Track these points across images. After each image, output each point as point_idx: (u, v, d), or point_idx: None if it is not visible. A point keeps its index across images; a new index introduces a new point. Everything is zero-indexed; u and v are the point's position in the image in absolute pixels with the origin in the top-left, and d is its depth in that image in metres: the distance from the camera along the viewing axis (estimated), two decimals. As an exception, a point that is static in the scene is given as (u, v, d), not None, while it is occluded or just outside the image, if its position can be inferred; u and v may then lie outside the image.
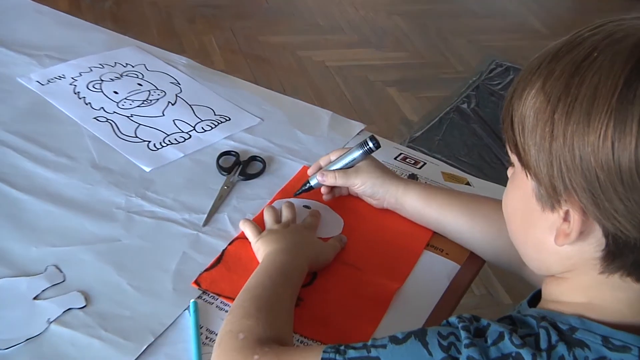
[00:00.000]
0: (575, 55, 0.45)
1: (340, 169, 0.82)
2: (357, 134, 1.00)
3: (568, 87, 0.45)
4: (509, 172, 0.54)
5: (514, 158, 0.51)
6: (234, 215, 0.83)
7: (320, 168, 0.85)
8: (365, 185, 0.81)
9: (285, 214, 0.81)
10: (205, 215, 0.82)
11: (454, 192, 0.81)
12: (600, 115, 0.44)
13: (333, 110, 1.08)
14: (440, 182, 0.92)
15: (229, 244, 0.78)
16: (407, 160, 0.97)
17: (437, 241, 0.81)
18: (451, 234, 0.79)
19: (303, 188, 0.85)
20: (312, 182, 0.84)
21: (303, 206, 0.85)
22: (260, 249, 0.73)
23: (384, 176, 0.81)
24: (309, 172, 0.86)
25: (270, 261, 0.70)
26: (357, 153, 0.82)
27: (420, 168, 0.96)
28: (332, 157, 0.84)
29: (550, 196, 0.48)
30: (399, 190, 0.80)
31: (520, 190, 0.51)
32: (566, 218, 0.48)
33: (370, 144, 0.81)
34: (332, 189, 0.85)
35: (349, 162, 0.82)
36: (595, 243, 0.48)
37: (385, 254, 0.79)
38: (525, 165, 0.49)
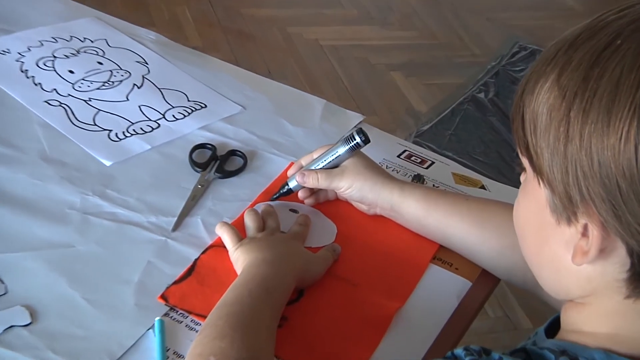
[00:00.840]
0: (596, 43, 0.45)
1: (323, 168, 0.83)
2: (355, 126, 1.01)
3: (586, 80, 0.44)
4: (522, 177, 0.54)
5: (525, 162, 0.51)
6: (208, 219, 0.83)
7: (301, 168, 0.85)
8: (352, 189, 0.81)
9: (270, 220, 0.82)
10: (175, 219, 0.83)
11: (461, 198, 0.81)
12: (621, 113, 0.43)
13: (327, 98, 1.09)
14: (450, 185, 0.93)
15: (202, 253, 0.78)
16: (413, 158, 0.98)
17: (445, 253, 0.82)
18: (458, 247, 0.80)
19: (281, 191, 0.85)
20: (291, 184, 0.85)
21: (290, 210, 0.86)
22: (240, 259, 0.74)
23: (375, 178, 0.81)
24: (289, 172, 0.87)
25: (250, 273, 0.71)
26: (342, 149, 0.82)
27: (427, 168, 0.96)
28: (315, 154, 0.85)
29: (566, 207, 0.48)
30: (393, 195, 0.80)
31: (532, 199, 0.51)
32: (585, 233, 0.47)
33: (357, 139, 0.81)
34: (314, 192, 0.85)
35: (333, 160, 0.82)
36: (618, 262, 0.47)
37: (385, 268, 0.80)
38: (538, 170, 0.49)
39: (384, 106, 2.30)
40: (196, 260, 0.78)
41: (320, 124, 1.02)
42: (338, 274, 0.78)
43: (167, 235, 0.81)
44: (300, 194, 0.85)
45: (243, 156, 0.94)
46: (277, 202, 0.86)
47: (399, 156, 0.98)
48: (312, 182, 0.82)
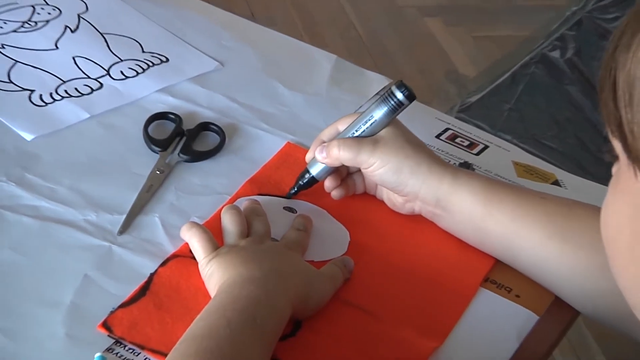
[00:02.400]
0: None
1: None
2: (377, 93, 1.02)
3: None
4: (614, 169, 0.55)
5: (617, 147, 0.52)
6: (170, 219, 0.85)
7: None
8: (386, 169, 0.83)
9: (257, 223, 0.83)
10: (123, 217, 0.84)
11: (535, 196, 0.82)
12: None
13: (336, 52, 1.10)
14: (510, 179, 0.93)
15: (161, 265, 0.80)
16: (458, 140, 0.98)
17: (503, 273, 0.83)
18: (524, 265, 0.82)
19: (300, 182, 0.87)
20: (314, 170, 0.87)
21: (284, 209, 0.88)
22: (215, 274, 0.75)
23: (419, 157, 0.83)
24: (308, 156, 0.89)
25: (230, 296, 0.72)
26: (378, 112, 0.84)
27: (478, 154, 0.97)
28: (341, 126, 0.87)
29: None
30: (443, 183, 0.82)
31: (626, 199, 0.52)
32: None
33: (398, 95, 0.83)
34: (342, 180, 0.87)
35: (368, 129, 0.84)
36: None
37: (416, 292, 0.81)
38: (634, 157, 0.50)
39: (415, 67, 2.31)
40: (152, 275, 0.79)
41: (327, 88, 1.03)
42: (350, 299, 0.79)
43: (111, 240, 0.82)
44: (327, 184, 0.87)
45: (219, 131, 0.94)
46: (266, 197, 0.88)
47: (438, 137, 0.99)
48: (332, 154, 0.84)
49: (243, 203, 0.86)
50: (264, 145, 0.94)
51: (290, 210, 0.88)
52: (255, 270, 0.74)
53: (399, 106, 0.83)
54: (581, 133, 2.16)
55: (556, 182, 0.96)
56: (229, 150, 0.93)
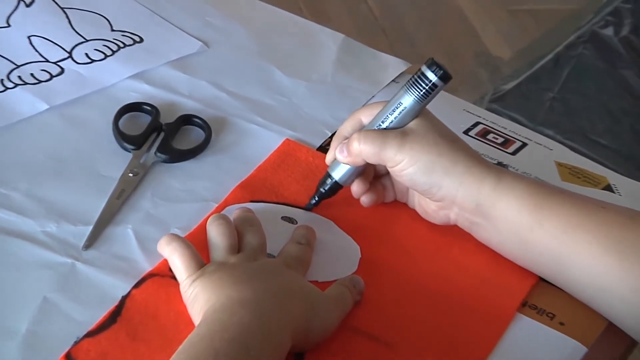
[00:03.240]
0: None
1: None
2: (394, 80, 1.03)
3: None
4: None
5: None
6: (145, 230, 0.86)
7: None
8: (416, 168, 0.84)
9: (250, 235, 0.84)
10: (90, 229, 0.85)
11: (594, 204, 0.83)
12: None
13: (343, 30, 1.11)
14: (552, 182, 0.94)
15: (135, 287, 0.81)
16: (489, 137, 0.99)
17: (543, 297, 0.84)
18: (577, 284, 0.82)
19: (321, 190, 0.89)
20: (336, 174, 0.88)
21: (282, 219, 0.89)
22: (200, 297, 0.76)
23: (455, 154, 0.84)
24: (328, 158, 0.90)
25: (218, 323, 0.72)
26: (407, 98, 0.84)
27: (514, 154, 0.98)
28: (364, 117, 0.88)
29: None
30: (484, 185, 0.83)
31: None
32: None
33: (430, 76, 0.84)
34: (371, 184, 0.89)
35: (397, 120, 0.85)
36: None
37: (441, 318, 0.82)
38: None
39: (439, 48, 2.31)
40: (125, 298, 0.79)
41: (333, 73, 1.04)
42: (361, 326, 0.80)
43: (75, 256, 0.82)
44: (355, 188, 0.89)
45: (204, 126, 0.95)
46: (260, 204, 0.89)
47: (467, 132, 0.99)
48: (352, 151, 0.86)
49: (233, 212, 0.86)
50: (258, 143, 0.95)
51: (290, 220, 0.89)
52: (247, 292, 0.75)
53: (432, 89, 0.83)
54: (639, 126, 2.15)
55: (608, 187, 0.96)
56: (216, 149, 0.94)
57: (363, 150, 0.85)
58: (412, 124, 0.84)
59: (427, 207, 0.87)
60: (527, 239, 0.82)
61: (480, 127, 1.01)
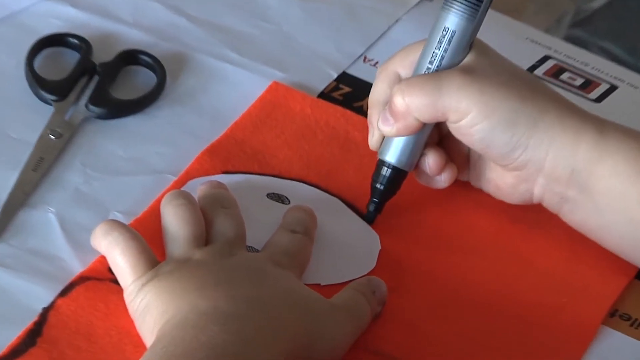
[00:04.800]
0: None
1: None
2: (418, 1, 1.04)
3: None
4: None
5: None
6: (74, 215, 0.87)
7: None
8: (493, 120, 0.85)
9: (222, 220, 0.84)
10: (-4, 211, 0.81)
11: None
12: None
13: None
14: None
15: (61, 294, 0.81)
16: (565, 77, 1.01)
17: (637, 303, 0.86)
18: None
19: (378, 186, 0.89)
20: (392, 156, 0.88)
21: (269, 197, 0.90)
22: (153, 308, 0.77)
23: (540, 99, 0.85)
24: (372, 142, 0.91)
25: (180, 344, 0.72)
26: (449, 19, 0.86)
27: (598, 100, 1.00)
28: (403, 69, 0.89)
29: None
30: (581, 143, 0.85)
31: None
32: None
33: None
34: (447, 158, 0.90)
35: (445, 57, 0.86)
36: None
37: (498, 336, 0.83)
38: None
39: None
40: (47, 311, 0.80)
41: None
42: (382, 348, 0.81)
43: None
44: (432, 163, 0.89)
45: (155, 66, 0.95)
46: (237, 177, 0.91)
47: (532, 70, 1.00)
48: (396, 112, 0.86)
49: (198, 188, 0.87)
50: (233, 89, 0.96)
51: (279, 199, 0.89)
52: (220, 302, 0.75)
53: (479, 2, 0.85)
54: None
55: None
56: (172, 99, 0.95)
57: (411, 104, 0.85)
58: (469, 60, 0.85)
59: (502, 181, 0.88)
60: (637, 219, 0.84)
61: (550, 63, 1.02)
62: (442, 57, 0.85)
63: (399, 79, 0.87)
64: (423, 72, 0.85)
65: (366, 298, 0.81)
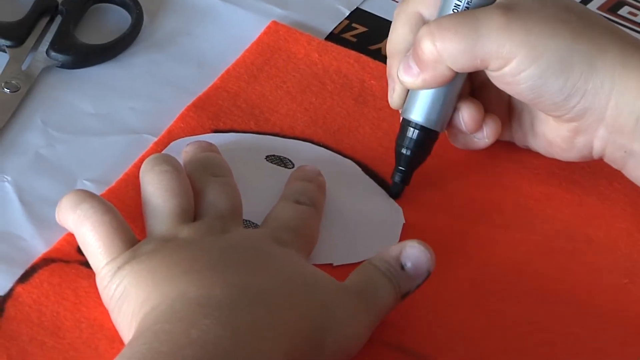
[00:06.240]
0: None
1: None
2: None
3: None
4: None
5: None
6: (34, 184, 0.85)
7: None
8: (542, 64, 0.82)
9: (213, 189, 0.82)
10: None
11: None
12: None
13: None
14: None
15: (20, 280, 0.79)
16: (624, 11, 0.98)
17: None
18: None
19: (403, 152, 0.86)
20: (418, 114, 0.86)
21: (268, 160, 0.89)
22: (131, 296, 0.74)
23: (597, 35, 0.82)
24: (393, 100, 0.88)
25: (164, 339, 0.69)
26: None
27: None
28: (426, 8, 0.86)
29: None
30: None
31: None
32: None
33: None
34: (485, 111, 0.88)
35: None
36: None
37: (551, 329, 0.79)
38: None
39: None
40: (3, 300, 0.77)
41: None
42: (404, 341, 0.77)
43: None
44: (468, 118, 0.87)
45: (130, 2, 0.93)
46: (230, 136, 0.87)
47: (585, 3, 0.98)
48: (424, 58, 0.83)
49: (184, 150, 0.85)
50: (224, 30, 0.92)
51: (282, 162, 0.87)
52: (214, 288, 0.72)
53: None
54: None
55: None
56: (150, 43, 0.92)
57: (444, 51, 0.82)
58: None
59: (555, 135, 0.86)
60: None
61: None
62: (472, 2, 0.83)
63: (422, 21, 0.84)
64: (451, 12, 0.82)
65: (388, 277, 0.76)
